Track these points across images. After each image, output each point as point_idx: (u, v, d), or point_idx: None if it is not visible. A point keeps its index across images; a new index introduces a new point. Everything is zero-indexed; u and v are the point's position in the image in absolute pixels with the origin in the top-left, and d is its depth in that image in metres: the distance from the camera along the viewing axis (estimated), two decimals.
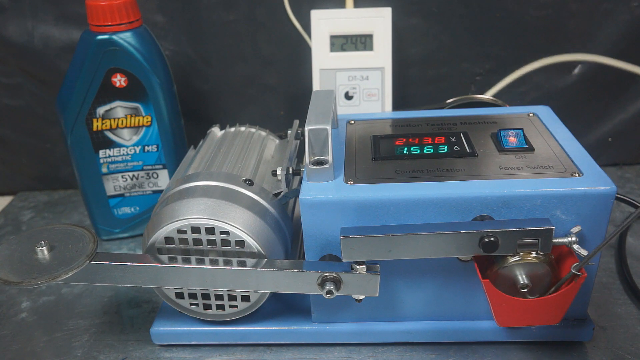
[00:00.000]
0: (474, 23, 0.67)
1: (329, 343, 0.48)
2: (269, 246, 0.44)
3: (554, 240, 0.39)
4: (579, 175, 0.41)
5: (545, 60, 0.64)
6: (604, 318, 0.49)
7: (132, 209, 0.65)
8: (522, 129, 0.48)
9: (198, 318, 0.48)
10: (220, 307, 0.47)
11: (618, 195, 0.48)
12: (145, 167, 0.63)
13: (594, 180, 0.41)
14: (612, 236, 0.37)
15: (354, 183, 0.43)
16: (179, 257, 0.43)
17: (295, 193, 0.47)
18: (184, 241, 0.44)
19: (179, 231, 0.43)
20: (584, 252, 0.39)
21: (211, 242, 0.44)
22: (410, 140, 0.48)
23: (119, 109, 0.59)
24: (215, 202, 0.44)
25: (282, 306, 0.50)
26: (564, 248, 0.41)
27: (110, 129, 0.60)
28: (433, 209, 0.41)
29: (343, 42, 0.63)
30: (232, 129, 0.57)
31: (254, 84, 0.71)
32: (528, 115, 0.53)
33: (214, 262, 0.43)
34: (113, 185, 0.63)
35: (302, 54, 0.69)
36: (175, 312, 0.49)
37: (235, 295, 0.46)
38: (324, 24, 0.63)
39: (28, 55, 0.68)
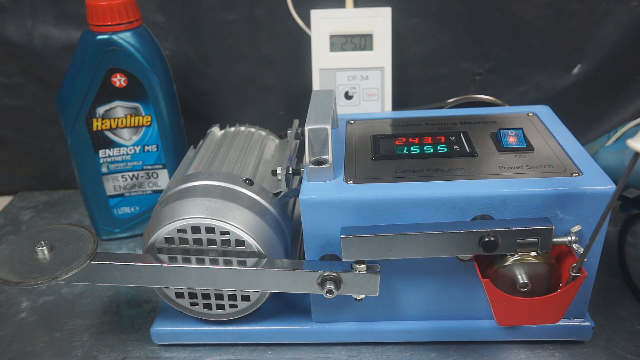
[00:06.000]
0: (473, 23, 0.67)
1: (329, 343, 0.48)
2: (269, 246, 0.44)
3: (553, 240, 0.39)
4: (578, 175, 0.42)
5: None
6: (604, 318, 0.49)
7: (132, 209, 0.65)
8: (521, 129, 0.48)
9: (198, 318, 0.48)
10: (221, 306, 0.47)
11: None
12: (145, 167, 0.63)
13: (593, 180, 0.41)
14: (597, 232, 0.37)
15: (354, 183, 0.43)
16: (179, 257, 0.43)
17: (295, 193, 0.47)
18: (184, 241, 0.44)
19: (179, 231, 0.43)
20: None
21: (211, 242, 0.44)
22: (410, 139, 0.48)
23: (119, 108, 0.59)
24: (215, 202, 0.44)
25: (282, 306, 0.50)
26: (564, 247, 0.41)
27: (110, 129, 0.60)
28: (433, 209, 0.41)
29: (343, 42, 0.63)
30: (232, 129, 0.57)
31: (254, 84, 0.72)
32: (528, 115, 0.53)
33: (214, 261, 0.43)
34: (113, 185, 0.63)
35: (302, 53, 0.69)
36: (175, 311, 0.49)
37: (235, 295, 0.46)
38: (323, 24, 0.63)
39: (28, 55, 0.68)
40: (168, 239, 0.44)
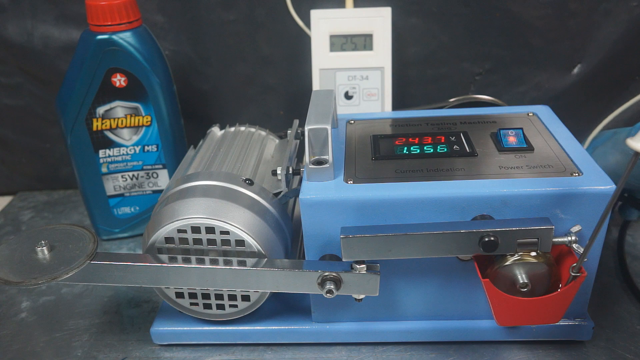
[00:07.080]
0: (473, 23, 0.67)
1: (329, 343, 0.48)
2: (269, 246, 0.44)
3: (553, 240, 0.39)
4: (578, 175, 0.42)
5: None
6: (604, 318, 0.49)
7: (132, 209, 0.65)
8: (521, 129, 0.48)
9: (198, 318, 0.48)
10: (221, 306, 0.47)
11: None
12: (145, 167, 0.63)
13: (593, 180, 0.41)
14: (597, 232, 0.37)
15: (354, 183, 0.43)
16: (179, 257, 0.43)
17: (295, 193, 0.47)
18: (184, 241, 0.44)
19: (179, 231, 0.43)
20: None
21: (211, 242, 0.44)
22: (410, 139, 0.48)
23: (119, 108, 0.59)
24: (215, 202, 0.44)
25: (282, 306, 0.50)
26: (564, 247, 0.41)
27: (110, 129, 0.60)
28: (433, 209, 0.41)
29: (343, 42, 0.63)
30: (232, 129, 0.57)
31: (254, 83, 0.72)
32: (528, 114, 0.53)
33: (214, 261, 0.43)
34: (113, 185, 0.63)
35: (302, 53, 0.69)
36: (175, 311, 0.49)
37: (235, 295, 0.46)
38: (323, 24, 0.63)
39: (28, 55, 0.68)
40: (168, 239, 0.44)
